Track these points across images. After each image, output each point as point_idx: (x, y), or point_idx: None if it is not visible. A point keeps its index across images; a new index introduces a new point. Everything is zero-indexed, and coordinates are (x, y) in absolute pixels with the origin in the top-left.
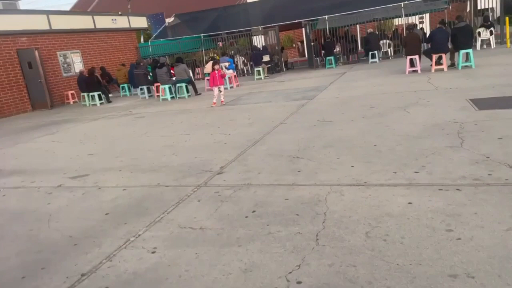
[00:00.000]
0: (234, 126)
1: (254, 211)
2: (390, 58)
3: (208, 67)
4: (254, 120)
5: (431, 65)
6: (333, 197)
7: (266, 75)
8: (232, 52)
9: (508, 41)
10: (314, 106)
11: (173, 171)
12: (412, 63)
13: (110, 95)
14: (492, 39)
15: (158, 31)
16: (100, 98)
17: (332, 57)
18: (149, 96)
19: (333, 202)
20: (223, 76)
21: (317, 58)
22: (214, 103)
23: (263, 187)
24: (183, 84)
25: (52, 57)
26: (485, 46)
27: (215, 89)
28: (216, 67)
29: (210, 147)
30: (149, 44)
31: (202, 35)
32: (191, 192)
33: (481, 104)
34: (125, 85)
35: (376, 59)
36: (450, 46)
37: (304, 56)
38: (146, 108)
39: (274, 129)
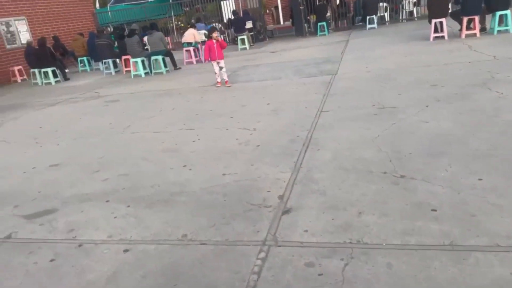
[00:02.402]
0: (253, 115)
1: None
2: (387, 23)
3: (188, 36)
4: (276, 106)
5: (459, 30)
6: None
7: (252, 44)
8: (203, 16)
9: None
10: (347, 84)
11: (200, 204)
12: (436, 28)
13: (66, 70)
14: None
15: None
16: (55, 75)
17: (324, 23)
18: (115, 72)
19: None
20: (222, 47)
21: (305, 25)
22: (219, 82)
23: (396, 252)
24: (160, 57)
25: None
26: None
27: (215, 65)
28: (215, 35)
29: (238, 153)
30: (108, 9)
31: None
32: (258, 264)
33: None
34: (84, 58)
35: (375, 25)
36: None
37: (279, 23)
38: (117, 87)
39: (317, 121)
